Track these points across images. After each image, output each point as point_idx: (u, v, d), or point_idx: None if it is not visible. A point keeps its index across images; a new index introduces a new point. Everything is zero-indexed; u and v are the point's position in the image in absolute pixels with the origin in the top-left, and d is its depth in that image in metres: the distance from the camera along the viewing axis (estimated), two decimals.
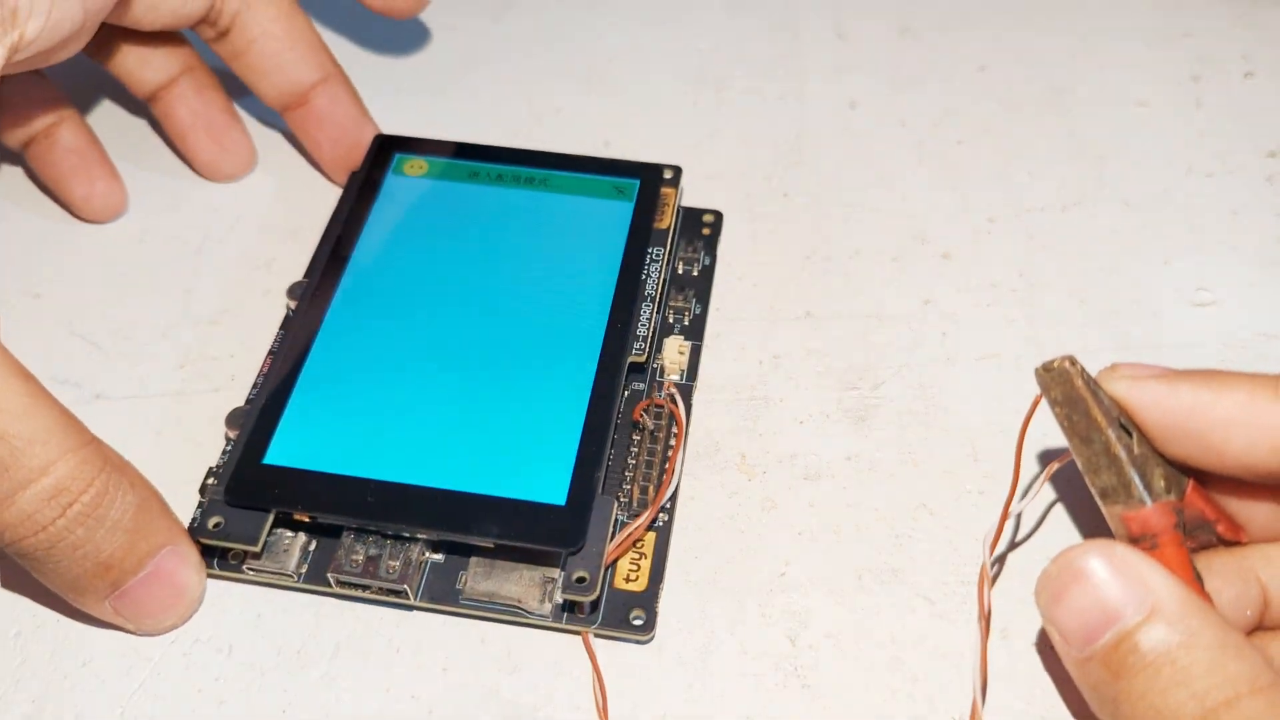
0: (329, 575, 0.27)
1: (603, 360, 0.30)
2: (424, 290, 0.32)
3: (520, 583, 0.27)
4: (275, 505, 0.27)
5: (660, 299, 0.32)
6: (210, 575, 0.28)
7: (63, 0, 0.28)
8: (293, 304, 0.32)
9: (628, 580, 0.28)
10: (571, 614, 0.27)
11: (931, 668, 0.27)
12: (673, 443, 0.30)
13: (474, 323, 0.31)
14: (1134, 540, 0.25)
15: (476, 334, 0.31)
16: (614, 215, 0.34)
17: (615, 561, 0.28)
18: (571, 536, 0.27)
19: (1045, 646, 0.27)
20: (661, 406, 0.30)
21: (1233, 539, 0.26)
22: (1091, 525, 0.29)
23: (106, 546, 0.25)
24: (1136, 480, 0.25)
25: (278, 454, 0.28)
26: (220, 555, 0.28)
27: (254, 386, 0.31)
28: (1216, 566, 0.26)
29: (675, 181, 0.35)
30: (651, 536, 0.29)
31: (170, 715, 0.26)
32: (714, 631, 0.28)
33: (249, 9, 0.34)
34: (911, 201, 0.37)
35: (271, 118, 0.40)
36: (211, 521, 0.27)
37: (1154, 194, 0.37)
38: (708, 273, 0.35)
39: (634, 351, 0.30)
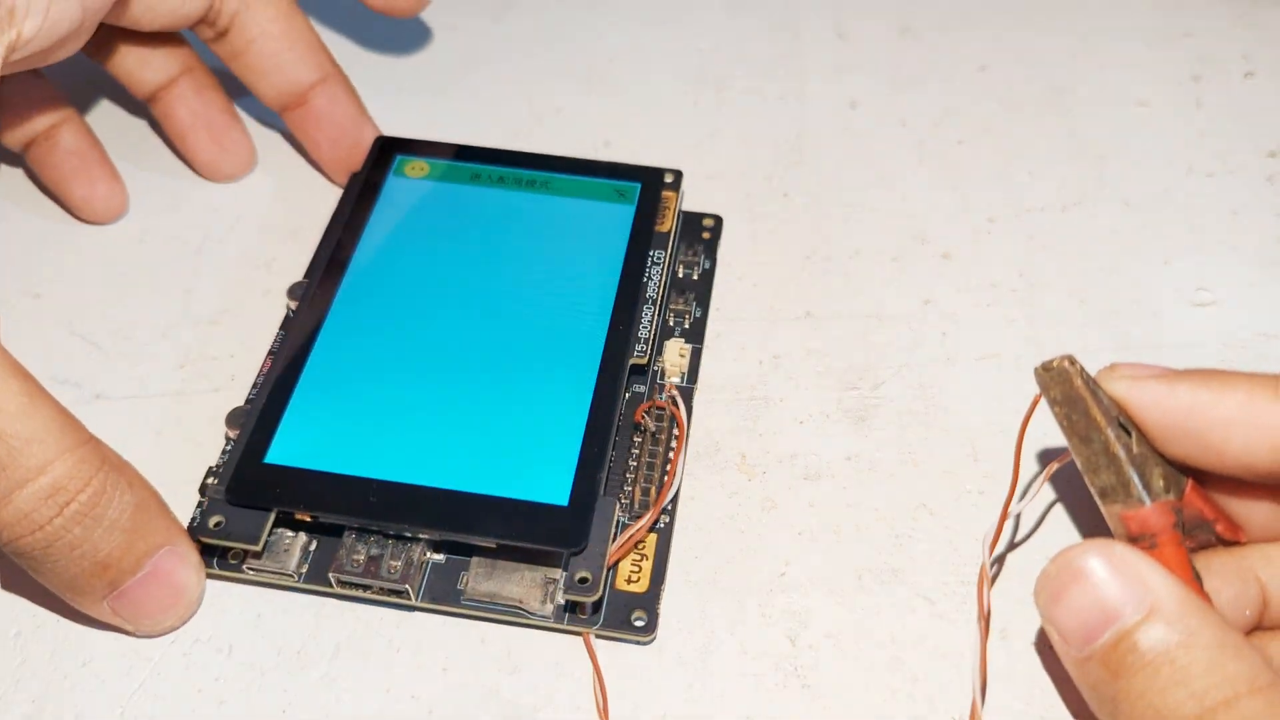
0: (330, 575, 0.27)
1: (604, 361, 0.30)
2: (426, 291, 0.32)
3: (522, 583, 0.27)
4: (277, 504, 0.27)
5: (661, 302, 0.32)
6: (210, 575, 0.28)
7: None
8: (293, 304, 0.32)
9: (629, 582, 0.28)
10: (573, 615, 0.27)
11: (931, 668, 0.27)
12: (674, 445, 0.30)
13: (476, 324, 0.31)
14: (1133, 540, 0.25)
15: (478, 335, 0.31)
16: (615, 218, 0.34)
17: (617, 563, 0.28)
18: (574, 537, 0.27)
19: (1045, 646, 0.27)
20: (663, 408, 0.30)
21: (1232, 539, 0.26)
22: (1091, 525, 0.29)
23: (104, 546, 0.25)
24: (1135, 480, 0.25)
25: (279, 453, 0.28)
26: (220, 555, 0.28)
27: (254, 386, 0.31)
28: (1215, 566, 0.26)
29: (676, 185, 0.35)
30: (653, 538, 0.29)
31: (170, 715, 0.26)
32: (714, 631, 0.28)
33: (248, 9, 0.34)
34: (911, 201, 0.37)
35: (271, 118, 0.40)
36: (212, 520, 0.27)
37: (1154, 194, 0.38)
38: (708, 276, 0.35)
39: (635, 353, 0.30)
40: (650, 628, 0.27)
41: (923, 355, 0.33)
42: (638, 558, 0.28)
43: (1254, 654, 0.22)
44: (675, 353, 0.32)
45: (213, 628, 0.28)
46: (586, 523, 0.27)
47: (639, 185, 0.34)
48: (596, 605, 0.27)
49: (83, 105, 0.40)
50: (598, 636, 0.27)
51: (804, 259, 0.36)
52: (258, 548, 0.27)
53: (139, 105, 0.39)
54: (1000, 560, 0.29)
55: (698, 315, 0.34)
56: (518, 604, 0.27)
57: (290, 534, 0.28)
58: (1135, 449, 0.25)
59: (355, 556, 0.27)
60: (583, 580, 0.26)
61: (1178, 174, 0.38)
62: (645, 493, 0.29)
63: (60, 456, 0.25)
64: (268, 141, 0.39)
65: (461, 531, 0.27)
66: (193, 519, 0.28)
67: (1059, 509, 0.30)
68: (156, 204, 0.37)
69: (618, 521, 0.28)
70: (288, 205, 0.37)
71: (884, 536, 0.29)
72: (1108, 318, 0.34)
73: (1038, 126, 0.40)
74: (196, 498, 0.29)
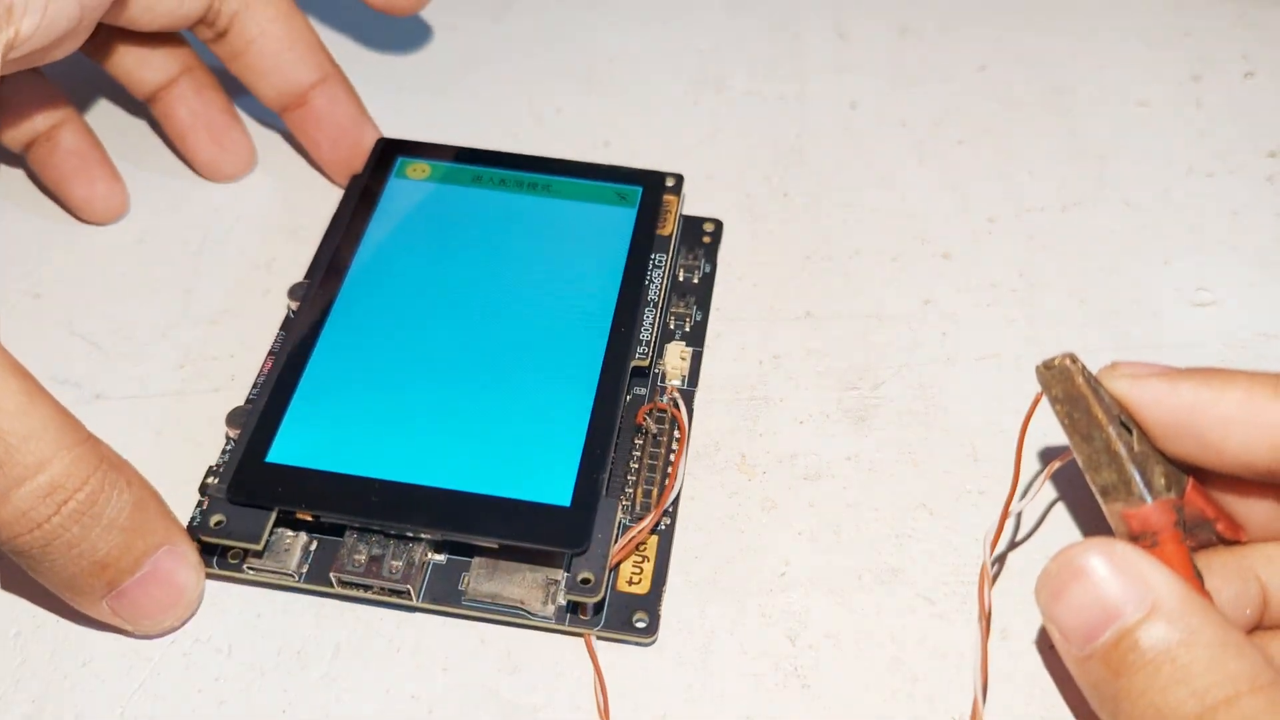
0: (331, 575, 0.27)
1: (606, 363, 0.30)
2: (427, 293, 0.32)
3: (523, 584, 0.27)
4: (278, 503, 0.27)
5: (662, 305, 0.32)
6: (210, 575, 0.28)
7: None
8: (294, 305, 0.32)
9: (630, 583, 0.28)
10: (574, 616, 0.27)
11: (931, 668, 0.27)
12: (675, 447, 0.30)
13: (478, 325, 0.31)
14: (1134, 538, 0.25)
15: (480, 336, 0.31)
16: (617, 221, 0.34)
17: (619, 565, 0.28)
18: (576, 537, 0.27)
19: (1045, 646, 0.27)
20: (664, 411, 0.30)
21: (1232, 538, 0.26)
22: (1092, 524, 0.29)
23: (102, 545, 0.25)
24: (1137, 478, 0.25)
25: (281, 452, 0.28)
26: (220, 554, 0.28)
27: (254, 386, 0.31)
28: (1216, 565, 0.26)
29: (677, 189, 0.35)
30: (654, 540, 0.29)
31: (170, 715, 0.26)
32: (714, 632, 0.28)
33: (247, 9, 0.34)
34: (911, 201, 0.37)
35: (271, 118, 0.40)
36: (213, 519, 0.27)
37: (1154, 194, 0.38)
38: (708, 280, 0.35)
39: (637, 356, 0.30)
40: (652, 629, 0.27)
41: (923, 355, 0.33)
42: (639, 559, 0.28)
43: (1255, 652, 0.22)
44: (676, 356, 0.32)
45: (213, 628, 0.28)
46: (589, 523, 0.27)
47: (640, 189, 0.34)
48: (598, 606, 0.27)
49: (83, 105, 0.40)
50: (599, 638, 0.27)
51: (804, 259, 0.36)
52: (259, 547, 0.27)
53: (139, 105, 0.39)
54: (1001, 559, 0.29)
55: (698, 319, 0.34)
56: (519, 605, 0.27)
57: (291, 534, 0.28)
58: (1136, 447, 0.25)
59: (357, 556, 0.27)
60: (585, 581, 0.26)
61: (1178, 174, 0.38)
62: (646, 495, 0.29)
63: (58, 454, 0.24)
64: (268, 141, 0.39)
65: (463, 531, 0.27)
66: (193, 518, 0.28)
67: (1060, 508, 0.30)
68: (156, 204, 0.37)
69: (619, 523, 0.28)
70: (288, 205, 0.37)
71: (884, 536, 0.29)
72: (1108, 318, 0.34)
73: (1038, 126, 0.40)
74: (196, 498, 0.29)
